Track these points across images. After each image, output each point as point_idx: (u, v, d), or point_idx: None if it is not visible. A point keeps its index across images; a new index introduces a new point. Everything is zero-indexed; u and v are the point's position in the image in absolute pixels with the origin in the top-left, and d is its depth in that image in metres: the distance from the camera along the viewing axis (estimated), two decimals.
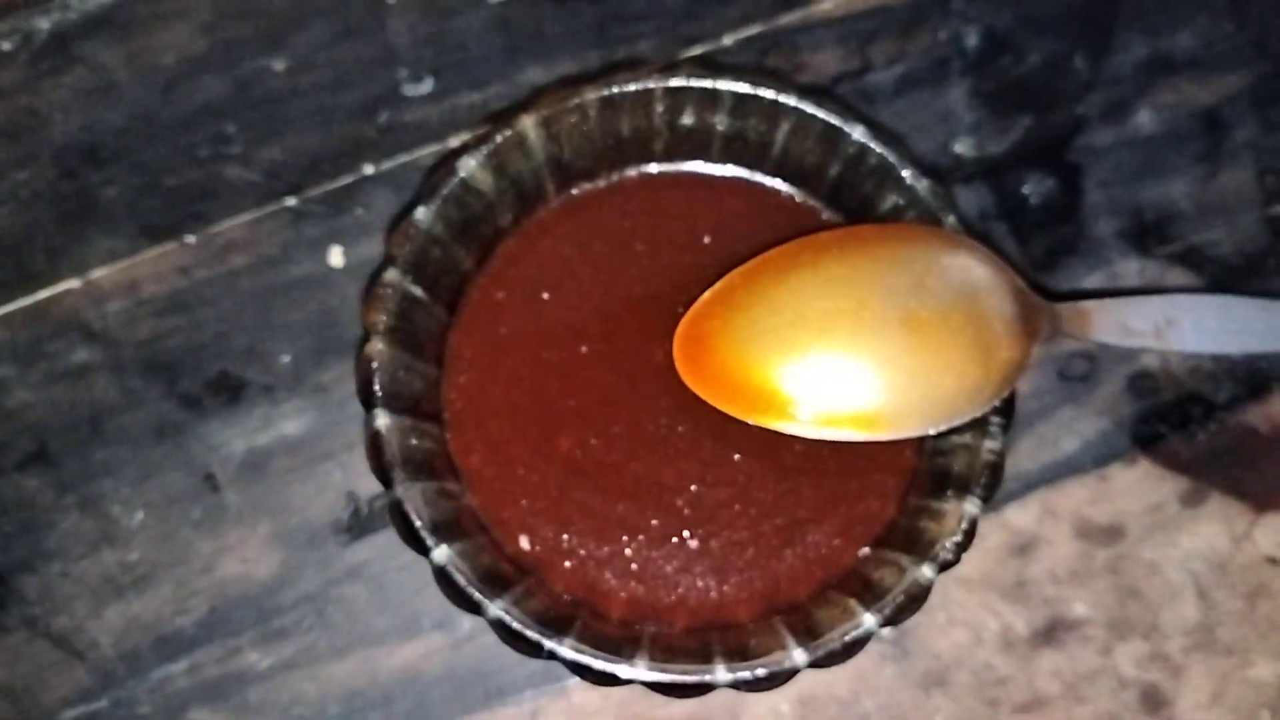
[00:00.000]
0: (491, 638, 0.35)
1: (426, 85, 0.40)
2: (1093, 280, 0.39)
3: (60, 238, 0.39)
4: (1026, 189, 0.39)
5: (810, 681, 0.35)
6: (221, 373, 0.38)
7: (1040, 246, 0.39)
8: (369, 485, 0.37)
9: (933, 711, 0.35)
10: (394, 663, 0.35)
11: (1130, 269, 0.39)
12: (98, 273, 0.39)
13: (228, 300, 0.38)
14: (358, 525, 0.36)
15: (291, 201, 0.39)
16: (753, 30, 0.41)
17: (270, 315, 0.38)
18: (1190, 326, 0.32)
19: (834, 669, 0.34)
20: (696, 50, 0.41)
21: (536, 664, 0.35)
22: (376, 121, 0.40)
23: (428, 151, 0.40)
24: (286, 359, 0.38)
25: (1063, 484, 0.37)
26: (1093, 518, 0.36)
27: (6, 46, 0.40)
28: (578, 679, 0.35)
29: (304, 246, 0.39)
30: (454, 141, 0.40)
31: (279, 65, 0.41)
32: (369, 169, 0.39)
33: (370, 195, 0.39)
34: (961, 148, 0.40)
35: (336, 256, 0.39)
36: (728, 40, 0.41)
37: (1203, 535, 0.36)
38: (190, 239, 0.39)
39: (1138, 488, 0.37)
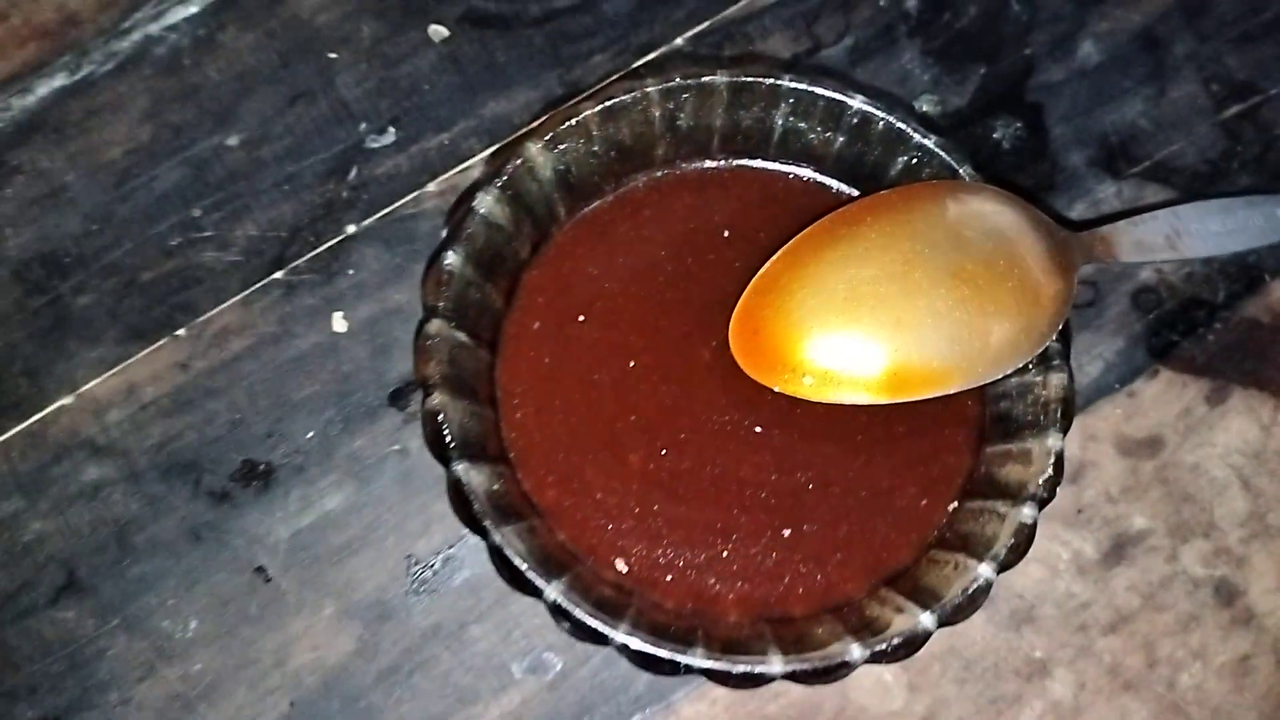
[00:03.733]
0: (586, 671, 0.35)
1: (389, 135, 0.40)
2: (1078, 210, 0.40)
3: (40, 356, 0.37)
4: (996, 134, 0.41)
5: None
6: (246, 462, 0.37)
7: (1020, 187, 0.40)
8: (427, 544, 0.36)
9: (1029, 649, 0.36)
10: (494, 716, 0.34)
11: (1108, 193, 0.40)
12: (89, 385, 0.37)
13: (235, 388, 0.37)
14: (425, 586, 0.35)
15: (279, 275, 0.38)
16: (701, 27, 0.41)
17: (284, 394, 0.37)
18: (1197, 233, 0.34)
19: None
20: (651, 56, 0.41)
21: (639, 686, 0.35)
22: (347, 180, 0.39)
23: (407, 200, 0.39)
24: (311, 435, 0.37)
25: (1096, 407, 0.38)
26: (1130, 434, 0.38)
27: None
28: (680, 694, 0.34)
29: (303, 318, 0.38)
30: (431, 186, 0.39)
31: (233, 141, 0.39)
32: (351, 228, 0.39)
33: (359, 254, 0.38)
34: (926, 106, 0.41)
35: (339, 322, 0.38)
36: (679, 41, 0.41)
37: (1234, 429, 0.38)
38: (181, 332, 0.38)
39: (1164, 397, 0.38)
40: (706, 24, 0.41)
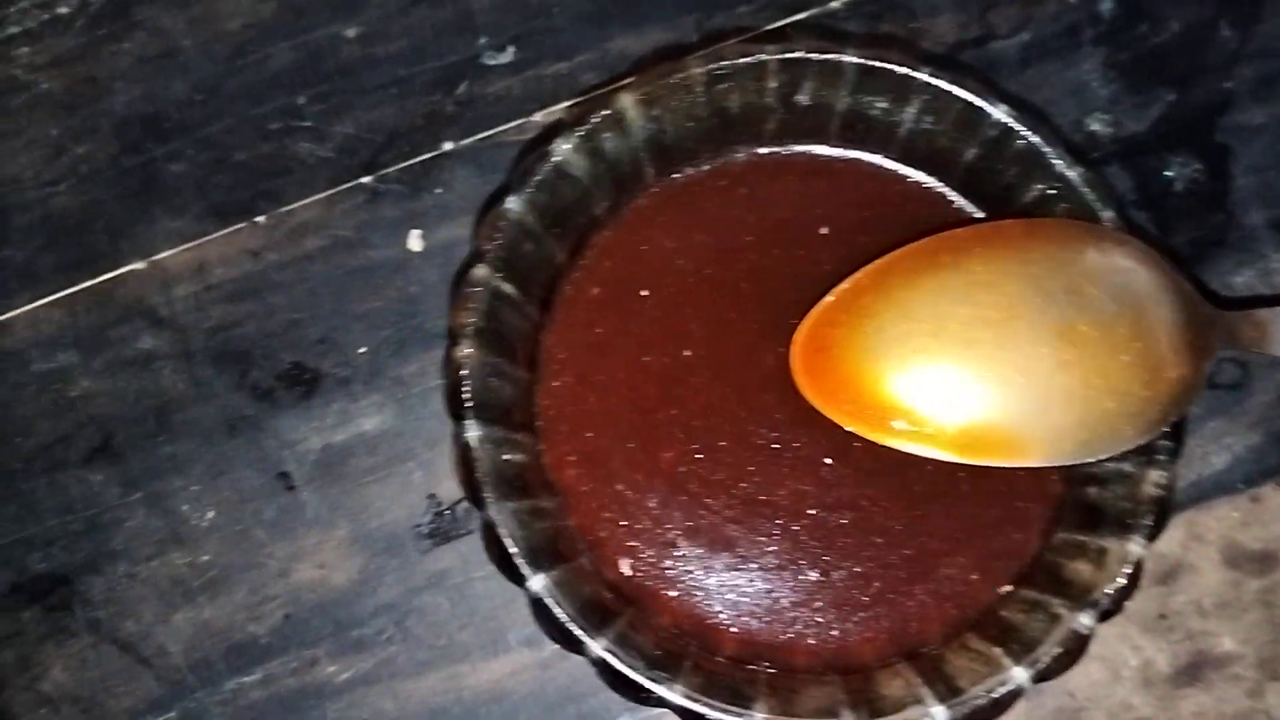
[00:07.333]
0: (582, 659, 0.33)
1: (508, 54, 0.37)
2: (1243, 277, 0.35)
3: (123, 217, 0.37)
4: (1170, 173, 0.36)
5: None
6: (295, 364, 0.36)
7: (1185, 238, 0.35)
8: (452, 487, 0.34)
9: None
10: (479, 681, 0.33)
11: None
12: (163, 254, 0.37)
13: (301, 286, 0.36)
14: (440, 530, 0.34)
15: (367, 180, 0.37)
16: None
17: (346, 303, 0.36)
18: None
19: None
20: (802, 16, 0.37)
21: None
22: (455, 94, 0.37)
23: (510, 126, 0.37)
24: (363, 350, 0.35)
25: (1211, 505, 0.33)
26: (1244, 543, 0.33)
27: (63, 10, 0.38)
28: None
29: (381, 229, 0.36)
30: (538, 116, 0.37)
31: (351, 33, 0.38)
32: (448, 145, 0.37)
33: (450, 174, 0.36)
34: (1096, 126, 0.36)
35: (415, 240, 0.36)
36: (836, 4, 0.37)
37: None
38: (260, 219, 0.37)
39: None
40: None
